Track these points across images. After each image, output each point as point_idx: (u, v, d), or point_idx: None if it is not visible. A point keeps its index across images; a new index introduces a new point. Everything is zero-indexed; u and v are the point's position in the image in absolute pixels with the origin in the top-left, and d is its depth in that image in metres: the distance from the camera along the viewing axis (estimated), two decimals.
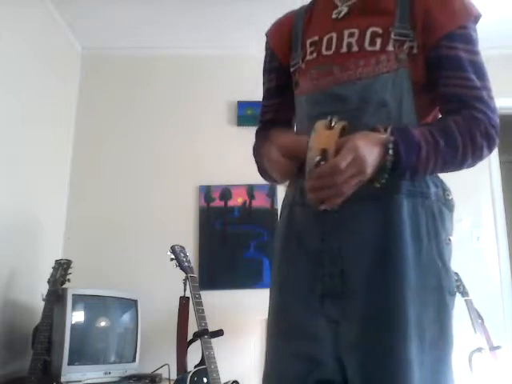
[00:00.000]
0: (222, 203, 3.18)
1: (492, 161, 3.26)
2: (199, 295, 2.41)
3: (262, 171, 1.21)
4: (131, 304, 2.67)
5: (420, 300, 0.94)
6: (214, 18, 3.10)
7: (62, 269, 2.40)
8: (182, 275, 2.45)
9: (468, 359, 2.55)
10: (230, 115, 3.33)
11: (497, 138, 1.01)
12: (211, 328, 2.34)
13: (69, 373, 2.24)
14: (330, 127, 0.87)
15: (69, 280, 2.39)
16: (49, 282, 2.36)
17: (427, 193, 1.00)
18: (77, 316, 2.38)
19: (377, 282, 0.95)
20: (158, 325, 2.79)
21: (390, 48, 1.02)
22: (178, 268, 2.43)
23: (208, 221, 3.15)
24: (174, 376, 2.44)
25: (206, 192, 3.19)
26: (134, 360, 2.59)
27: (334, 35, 1.08)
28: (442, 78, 1.02)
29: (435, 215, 1.00)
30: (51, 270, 2.40)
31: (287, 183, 1.16)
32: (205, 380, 2.24)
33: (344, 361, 0.96)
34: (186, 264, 2.46)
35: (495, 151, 2.78)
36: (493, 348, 2.59)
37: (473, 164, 1.01)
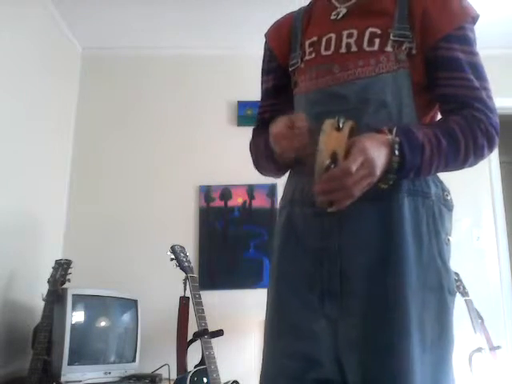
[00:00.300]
0: (221, 203, 3.18)
1: (492, 161, 3.26)
2: (199, 295, 2.41)
3: (259, 166, 1.22)
4: (131, 304, 2.67)
5: (421, 299, 0.94)
6: (214, 18, 3.10)
7: (61, 269, 2.40)
8: (182, 275, 2.45)
9: (468, 359, 2.55)
10: (230, 115, 3.33)
11: (497, 138, 1.02)
12: (211, 328, 2.34)
13: (69, 373, 2.24)
14: (338, 128, 0.87)
15: (69, 280, 2.39)
16: (49, 281, 2.36)
17: (428, 192, 1.01)
18: (77, 316, 2.38)
19: (378, 280, 0.95)
20: (158, 325, 2.79)
21: (389, 49, 1.02)
22: (178, 268, 2.43)
23: (208, 221, 3.15)
24: (174, 376, 2.44)
25: (206, 192, 3.19)
26: (134, 360, 2.59)
27: (333, 36, 1.08)
28: (440, 78, 1.03)
29: (435, 215, 1.00)
30: (51, 270, 2.40)
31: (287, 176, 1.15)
32: (205, 380, 2.24)
33: (343, 361, 0.96)
34: (186, 264, 2.46)
35: (495, 151, 2.79)
36: (493, 348, 2.59)
37: (474, 163, 1.02)
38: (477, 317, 2.62)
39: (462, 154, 0.98)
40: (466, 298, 2.62)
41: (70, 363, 2.26)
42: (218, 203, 3.18)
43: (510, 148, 3.73)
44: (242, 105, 3.28)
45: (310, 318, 1.00)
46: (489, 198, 3.29)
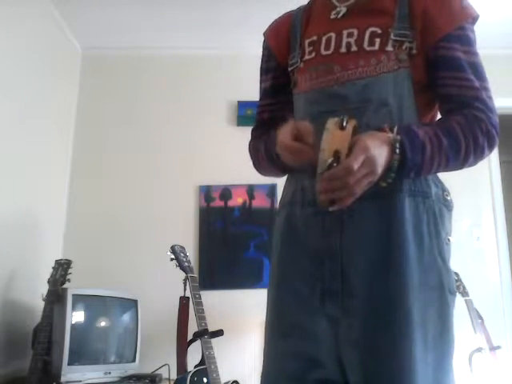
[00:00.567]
0: (221, 203, 3.18)
1: (492, 160, 3.26)
2: (199, 295, 2.41)
3: (260, 167, 1.22)
4: (131, 304, 2.67)
5: (422, 299, 0.94)
6: (213, 18, 3.10)
7: (62, 269, 2.40)
8: (182, 275, 2.45)
9: (468, 359, 2.55)
10: (229, 115, 3.33)
11: (497, 138, 1.02)
12: (211, 328, 2.34)
13: (69, 373, 2.24)
14: (342, 127, 0.86)
15: (69, 280, 2.39)
16: (49, 282, 2.36)
17: (428, 192, 1.01)
18: (77, 316, 2.38)
19: (379, 280, 0.95)
20: (158, 325, 2.79)
21: (390, 48, 1.02)
22: (178, 268, 2.43)
23: (208, 221, 3.15)
24: (174, 376, 2.44)
25: (206, 192, 3.19)
26: (134, 360, 2.59)
27: (333, 35, 1.08)
28: (441, 78, 1.03)
29: (436, 215, 1.00)
30: (51, 270, 2.40)
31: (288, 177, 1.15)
32: (205, 380, 2.24)
33: (344, 361, 0.96)
34: (186, 264, 2.46)
35: (495, 151, 2.78)
36: (493, 348, 2.59)
37: (474, 163, 1.02)
38: (477, 317, 2.62)
39: (463, 153, 0.98)
40: (466, 297, 2.62)
41: (70, 363, 2.25)
42: (218, 203, 3.18)
43: (510, 148, 3.73)
44: (242, 105, 3.28)
45: (311, 318, 1.00)
46: (489, 198, 3.29)
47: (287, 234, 1.07)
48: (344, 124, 0.86)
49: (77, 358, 2.31)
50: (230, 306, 2.97)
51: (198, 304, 2.37)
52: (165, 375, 2.55)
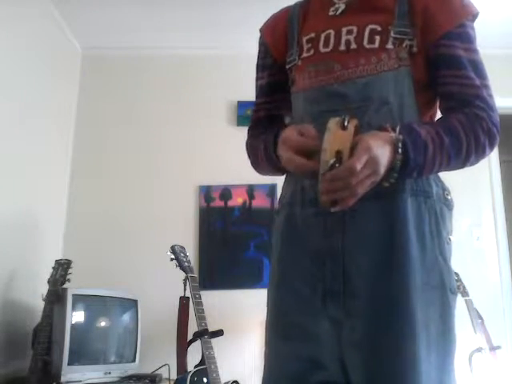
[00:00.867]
0: (221, 203, 3.18)
1: (492, 160, 3.26)
2: (199, 295, 2.40)
3: (258, 166, 1.20)
4: (131, 304, 2.67)
5: (425, 299, 0.94)
6: (213, 18, 3.10)
7: (62, 269, 2.40)
8: (182, 275, 2.44)
9: (468, 359, 2.55)
10: (229, 115, 3.33)
11: (498, 136, 1.01)
12: (211, 328, 2.34)
13: (69, 373, 2.23)
14: (343, 127, 0.85)
15: (69, 280, 2.39)
16: (49, 282, 2.36)
17: (429, 192, 1.00)
18: (77, 316, 2.37)
19: (382, 280, 0.94)
20: (158, 325, 2.79)
21: (390, 46, 1.01)
22: (178, 268, 2.43)
23: (208, 221, 3.15)
24: (174, 376, 2.44)
25: (206, 192, 3.19)
26: (134, 360, 2.58)
27: (332, 32, 1.06)
28: (441, 76, 1.03)
29: (437, 214, 1.00)
30: (51, 270, 2.40)
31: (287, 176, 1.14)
32: (205, 380, 2.23)
33: (346, 362, 0.95)
34: (186, 264, 2.46)
35: (495, 150, 2.78)
36: (493, 348, 2.59)
37: (475, 162, 1.02)
38: (477, 317, 2.61)
39: (464, 152, 0.97)
40: (466, 297, 2.62)
41: (70, 363, 2.25)
42: (218, 203, 3.18)
43: (510, 147, 3.73)
44: (242, 105, 3.28)
45: (313, 319, 0.99)
46: (489, 197, 3.29)
47: (287, 234, 1.06)
48: (346, 124, 0.85)
49: (77, 358, 2.30)
50: (230, 306, 2.97)
51: (198, 304, 2.37)
52: (165, 375, 2.55)
